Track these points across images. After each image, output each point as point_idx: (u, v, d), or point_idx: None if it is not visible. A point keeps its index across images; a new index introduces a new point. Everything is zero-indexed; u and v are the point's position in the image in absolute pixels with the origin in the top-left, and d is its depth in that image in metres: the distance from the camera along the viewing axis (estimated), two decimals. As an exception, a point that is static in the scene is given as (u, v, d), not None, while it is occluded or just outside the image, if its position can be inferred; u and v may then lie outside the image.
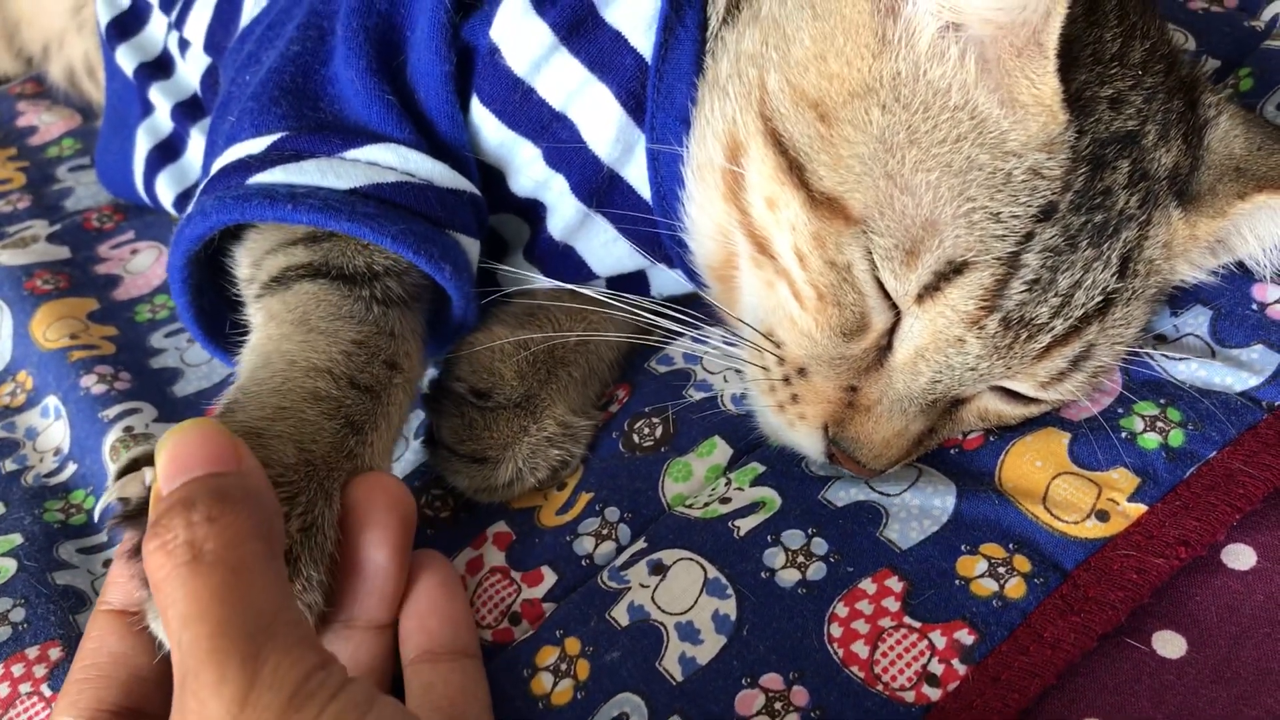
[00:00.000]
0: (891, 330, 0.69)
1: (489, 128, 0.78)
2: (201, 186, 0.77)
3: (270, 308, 0.72)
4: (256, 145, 0.75)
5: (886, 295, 0.67)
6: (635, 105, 0.76)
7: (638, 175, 0.79)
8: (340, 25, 0.77)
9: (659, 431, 0.81)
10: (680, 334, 0.78)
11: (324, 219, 0.69)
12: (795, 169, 0.68)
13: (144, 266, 1.06)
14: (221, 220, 0.72)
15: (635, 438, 0.81)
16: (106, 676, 0.60)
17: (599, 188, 0.79)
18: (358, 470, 0.66)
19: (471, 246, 0.75)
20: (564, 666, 0.67)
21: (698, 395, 0.83)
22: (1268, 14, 0.93)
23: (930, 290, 0.66)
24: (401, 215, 0.71)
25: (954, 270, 0.65)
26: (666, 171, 0.77)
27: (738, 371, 0.82)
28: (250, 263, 0.75)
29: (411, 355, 0.73)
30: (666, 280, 0.85)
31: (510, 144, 0.78)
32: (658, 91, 0.75)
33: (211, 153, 0.81)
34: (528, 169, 0.79)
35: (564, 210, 0.81)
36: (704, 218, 0.76)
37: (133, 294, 1.04)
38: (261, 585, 0.53)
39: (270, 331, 0.71)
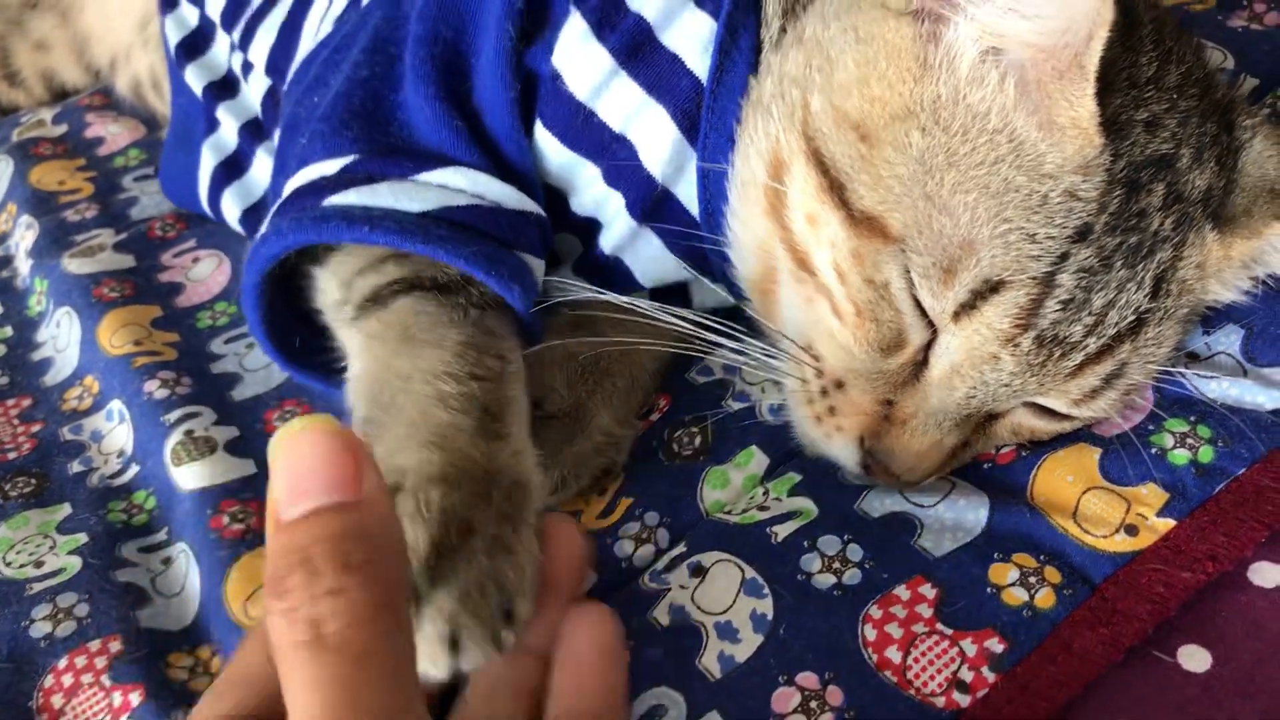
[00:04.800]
0: (928, 346, 0.71)
1: (552, 150, 0.81)
2: (275, 207, 0.80)
3: (369, 329, 0.74)
4: (329, 167, 0.78)
5: (923, 313, 0.69)
6: (689, 125, 0.79)
7: (687, 193, 0.82)
8: (408, 53, 0.80)
9: (698, 441, 0.84)
10: (721, 345, 0.80)
11: (400, 241, 0.72)
12: (836, 188, 0.70)
13: (205, 274, 1.10)
14: (298, 240, 0.74)
15: (675, 446, 0.84)
16: (253, 685, 0.59)
17: (652, 205, 0.82)
18: (513, 455, 0.66)
19: (537, 267, 0.78)
20: None
21: (736, 406, 0.85)
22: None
23: (967, 308, 0.67)
24: (472, 237, 0.73)
25: (990, 289, 0.67)
26: (715, 189, 0.79)
27: (776, 383, 0.84)
28: (339, 284, 0.77)
29: (514, 349, 0.74)
30: (708, 293, 0.87)
31: (572, 165, 0.81)
32: (712, 112, 0.78)
33: (281, 172, 0.85)
34: (588, 188, 0.82)
35: (618, 226, 0.83)
36: (747, 233, 0.79)
37: (194, 301, 1.07)
38: (385, 680, 0.50)
39: (375, 353, 0.72)
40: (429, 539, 0.59)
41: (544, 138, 0.81)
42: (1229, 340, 0.79)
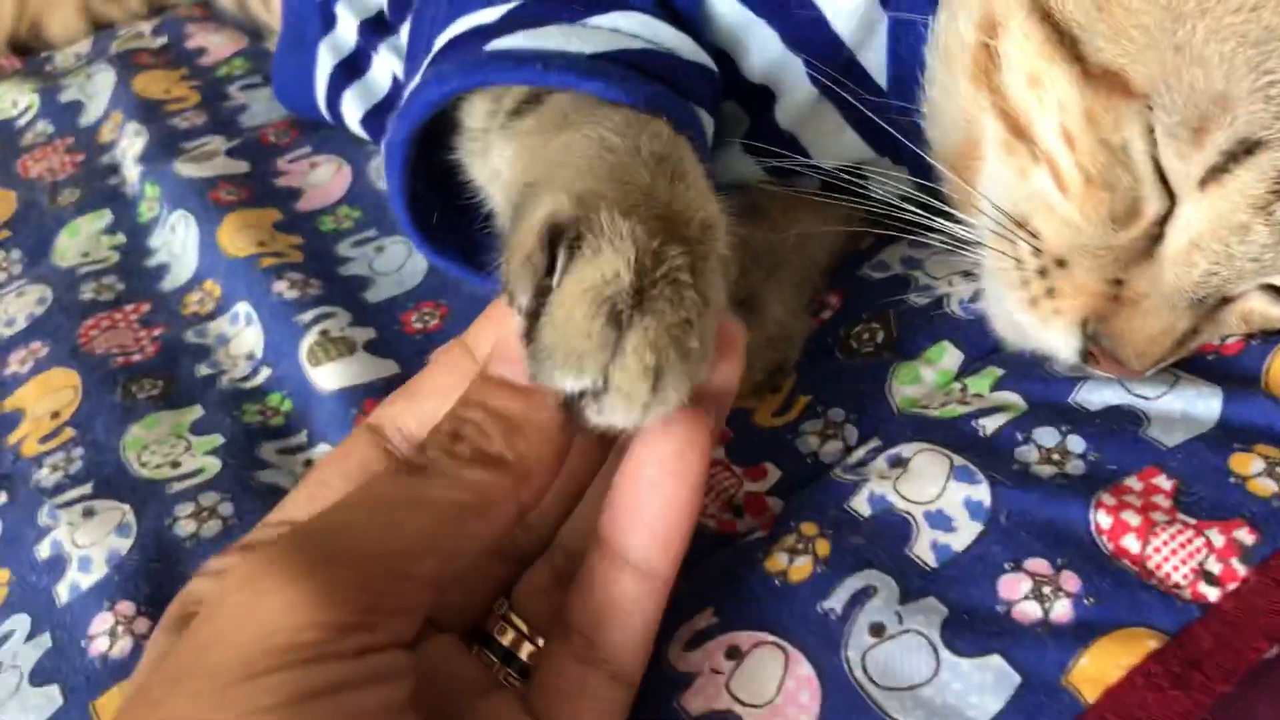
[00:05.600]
0: (1164, 219, 0.65)
1: (723, 6, 0.75)
2: (430, 57, 0.74)
3: (524, 126, 0.66)
4: (489, 15, 0.71)
5: (1163, 179, 0.63)
6: None
7: (874, 59, 0.75)
8: None
9: (880, 336, 0.78)
10: (911, 229, 0.74)
11: (576, 80, 0.65)
12: (1067, 42, 0.64)
13: (324, 179, 1.05)
14: (463, 84, 0.68)
15: (854, 343, 0.78)
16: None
17: (836, 72, 0.75)
18: (698, 196, 0.56)
19: (709, 125, 0.72)
20: (801, 546, 0.64)
21: (921, 300, 0.79)
22: None
23: (1216, 172, 0.61)
24: (649, 80, 0.67)
25: (1245, 150, 0.60)
26: (908, 52, 0.73)
27: (966, 274, 0.78)
28: (490, 99, 0.69)
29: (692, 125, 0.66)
30: (885, 178, 0.81)
31: (746, 25, 0.75)
32: None
33: (419, 37, 0.79)
34: (763, 51, 0.76)
35: (797, 96, 0.77)
36: (948, 101, 0.72)
37: (315, 205, 1.02)
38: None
39: (533, 144, 0.64)
40: (626, 260, 0.50)
41: None
42: None
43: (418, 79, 0.72)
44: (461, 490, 0.51)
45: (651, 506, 0.53)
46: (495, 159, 0.69)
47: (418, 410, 0.58)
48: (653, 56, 0.69)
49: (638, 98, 0.63)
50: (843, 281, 0.83)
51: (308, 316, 0.87)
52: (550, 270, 0.50)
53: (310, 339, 0.85)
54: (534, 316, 0.50)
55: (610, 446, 0.59)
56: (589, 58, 0.67)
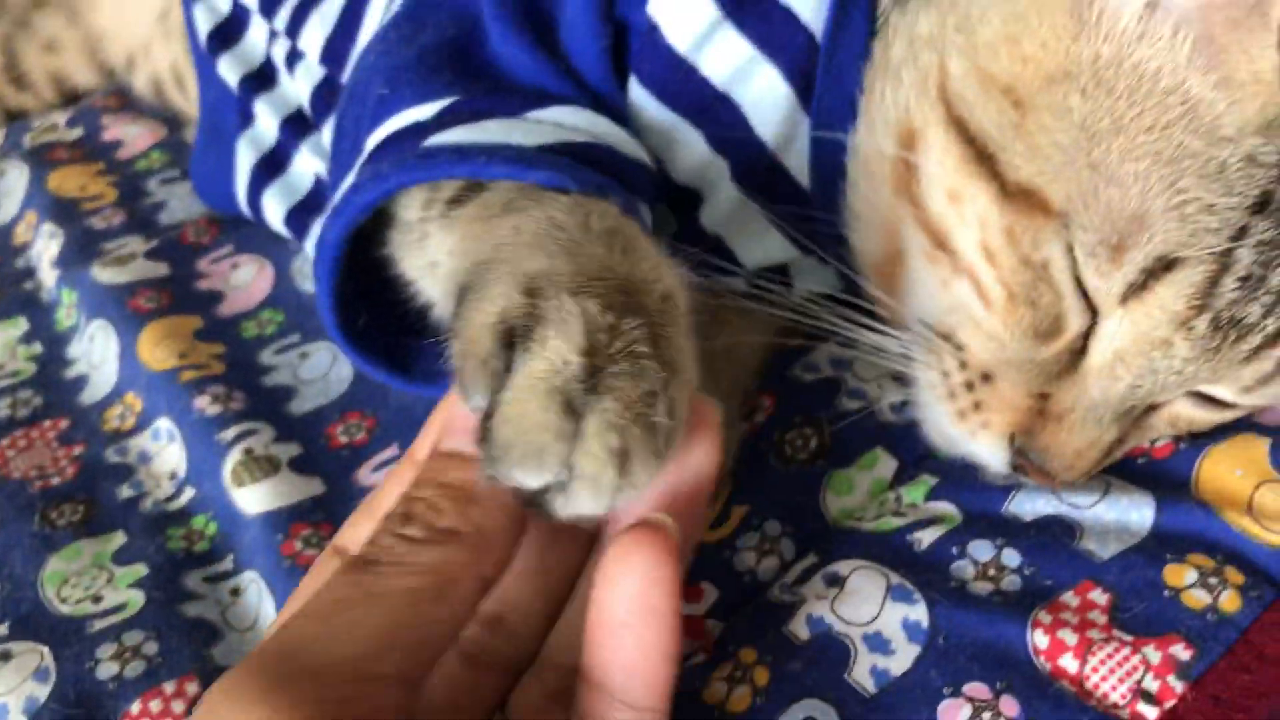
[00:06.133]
0: (1086, 333, 0.65)
1: (649, 109, 0.74)
2: (364, 158, 0.72)
3: (466, 214, 0.63)
4: (425, 111, 0.70)
5: (1084, 295, 0.63)
6: (804, 86, 0.72)
7: (798, 163, 0.75)
8: (486, 7, 0.73)
9: (814, 443, 0.77)
10: (848, 334, 0.74)
11: (522, 171, 0.62)
12: (984, 159, 0.64)
13: (246, 281, 1.03)
14: (403, 181, 0.65)
15: (788, 449, 0.77)
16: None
17: (759, 174, 0.75)
18: (654, 268, 0.55)
19: (649, 219, 0.71)
20: (739, 674, 0.63)
21: (852, 404, 0.79)
22: None
23: (1136, 289, 0.61)
24: (595, 172, 0.65)
25: (1163, 267, 0.61)
26: (830, 160, 0.73)
27: (894, 378, 0.78)
28: (425, 188, 0.67)
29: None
30: (813, 277, 0.81)
31: (672, 127, 0.75)
32: (828, 73, 0.71)
33: (343, 138, 0.78)
34: (689, 154, 0.76)
35: (721, 198, 0.77)
36: (869, 210, 0.72)
37: (237, 310, 1.00)
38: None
39: (476, 231, 0.61)
40: (574, 344, 0.48)
41: (640, 95, 0.74)
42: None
43: (352, 178, 0.70)
44: (414, 575, 0.50)
45: (625, 648, 0.51)
46: (432, 250, 0.67)
47: None
48: (597, 150, 0.68)
49: (585, 185, 0.62)
50: (774, 383, 0.83)
51: (230, 434, 0.85)
52: (509, 368, 0.49)
53: (233, 458, 0.83)
54: (488, 415, 0.49)
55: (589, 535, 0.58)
56: (534, 150, 0.66)
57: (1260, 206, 0.60)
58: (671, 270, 0.56)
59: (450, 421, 0.54)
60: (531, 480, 0.48)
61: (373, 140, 0.73)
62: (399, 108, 0.72)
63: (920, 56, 0.68)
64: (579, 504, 0.49)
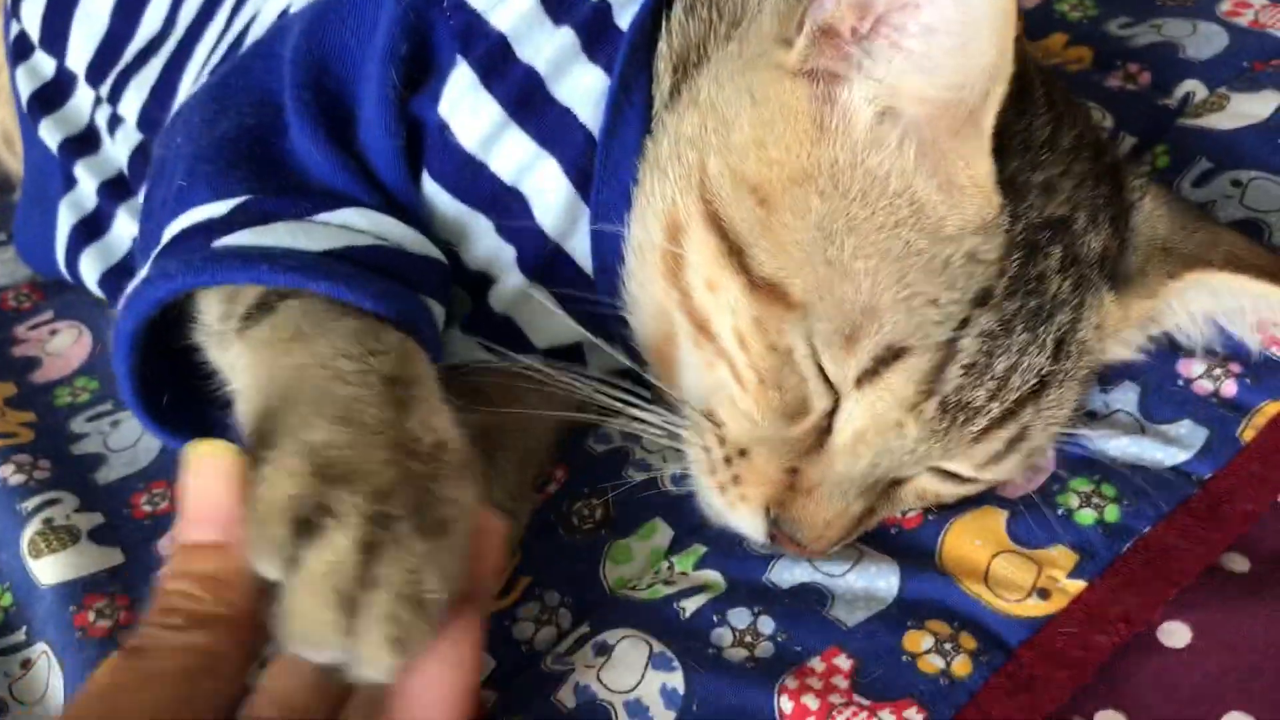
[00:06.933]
0: (832, 413, 0.69)
1: (441, 201, 0.77)
2: (158, 251, 0.74)
3: (259, 336, 0.66)
4: (218, 209, 0.72)
5: (827, 379, 0.68)
6: (583, 180, 0.76)
7: (581, 248, 0.79)
8: (289, 98, 0.76)
9: (598, 513, 0.81)
10: (623, 411, 0.77)
11: (301, 279, 0.66)
12: (735, 252, 0.68)
13: (63, 348, 1.03)
14: (189, 283, 0.68)
15: (575, 520, 0.81)
16: None
17: (544, 260, 0.79)
18: (425, 417, 0.60)
19: (439, 314, 0.74)
20: None
21: (638, 476, 0.82)
22: (1179, 92, 0.96)
23: (869, 375, 0.66)
24: (377, 277, 0.69)
25: (893, 355, 0.65)
26: (609, 248, 0.77)
27: (678, 451, 0.81)
28: (223, 299, 0.70)
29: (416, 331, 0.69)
30: (603, 356, 0.84)
31: (462, 217, 0.78)
32: (604, 167, 0.75)
33: (150, 219, 0.79)
34: (480, 241, 0.79)
35: (508, 282, 0.80)
36: (644, 296, 0.76)
37: (52, 377, 1.00)
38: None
39: (265, 358, 0.65)
40: (357, 540, 0.52)
41: (432, 189, 0.77)
42: (1126, 398, 0.80)
43: (145, 270, 0.72)
44: (183, 656, 0.53)
45: (433, 699, 0.56)
46: (232, 357, 0.70)
47: None
48: (381, 253, 0.72)
49: (366, 297, 0.66)
50: (569, 455, 0.86)
51: (31, 504, 0.85)
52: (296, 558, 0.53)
53: (32, 528, 0.83)
54: (281, 594, 0.53)
55: None
56: (317, 255, 0.69)
57: (982, 300, 0.66)
58: (444, 415, 0.62)
59: (190, 511, 0.57)
60: (322, 659, 0.53)
61: (169, 231, 0.75)
62: (195, 201, 0.74)
63: (684, 154, 0.73)
64: (369, 675, 0.53)
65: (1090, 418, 0.79)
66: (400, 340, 0.65)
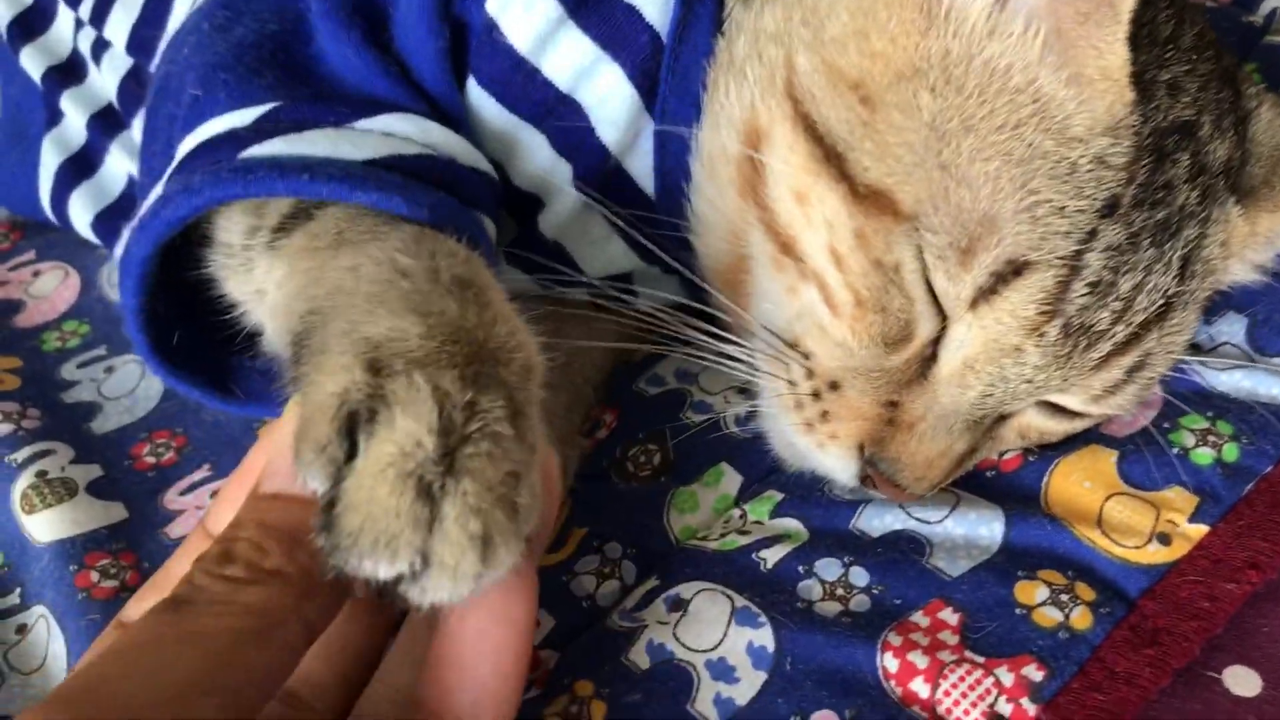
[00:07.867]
0: (937, 340, 0.62)
1: (488, 112, 0.70)
2: (174, 166, 0.65)
3: (295, 245, 0.58)
4: (242, 118, 0.64)
5: (935, 300, 0.61)
6: (648, 87, 0.68)
7: (641, 166, 0.72)
8: (314, 1, 0.68)
9: (656, 459, 0.74)
10: (693, 342, 0.70)
11: (348, 190, 0.58)
12: (833, 158, 0.61)
13: (49, 290, 0.95)
14: (216, 197, 0.60)
15: (630, 466, 0.74)
16: None
17: (602, 179, 0.71)
18: (510, 332, 0.50)
19: (493, 232, 0.66)
20: (575, 709, 0.59)
21: (697, 418, 0.75)
22: (1265, 8, 0.91)
23: (986, 294, 0.59)
24: (430, 189, 0.60)
25: (1014, 271, 0.59)
26: (674, 162, 0.70)
27: (741, 390, 0.74)
28: (248, 212, 0.62)
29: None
30: (657, 286, 0.77)
31: (512, 130, 0.70)
32: (673, 72, 0.68)
33: (155, 139, 0.71)
34: (531, 158, 0.71)
35: (562, 204, 0.73)
36: (714, 214, 0.69)
37: (37, 320, 0.92)
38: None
39: (306, 265, 0.57)
40: (427, 424, 0.44)
41: (479, 98, 0.69)
42: (1233, 329, 0.74)
43: (160, 189, 0.64)
44: (236, 615, 0.45)
45: (482, 656, 0.49)
46: (260, 278, 0.62)
47: None
48: (431, 162, 0.63)
49: (420, 209, 0.57)
50: (617, 397, 0.79)
51: (21, 455, 0.77)
52: (352, 455, 0.45)
53: (24, 482, 0.75)
54: (330, 504, 0.44)
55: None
56: (362, 165, 0.61)
57: (1109, 210, 0.59)
58: (528, 337, 0.52)
59: (272, 466, 0.49)
60: (383, 570, 0.44)
61: (184, 147, 0.66)
62: (213, 112, 0.66)
63: (766, 52, 0.65)
64: (437, 592, 0.44)
65: (1196, 350, 0.73)
66: (467, 251, 0.56)
